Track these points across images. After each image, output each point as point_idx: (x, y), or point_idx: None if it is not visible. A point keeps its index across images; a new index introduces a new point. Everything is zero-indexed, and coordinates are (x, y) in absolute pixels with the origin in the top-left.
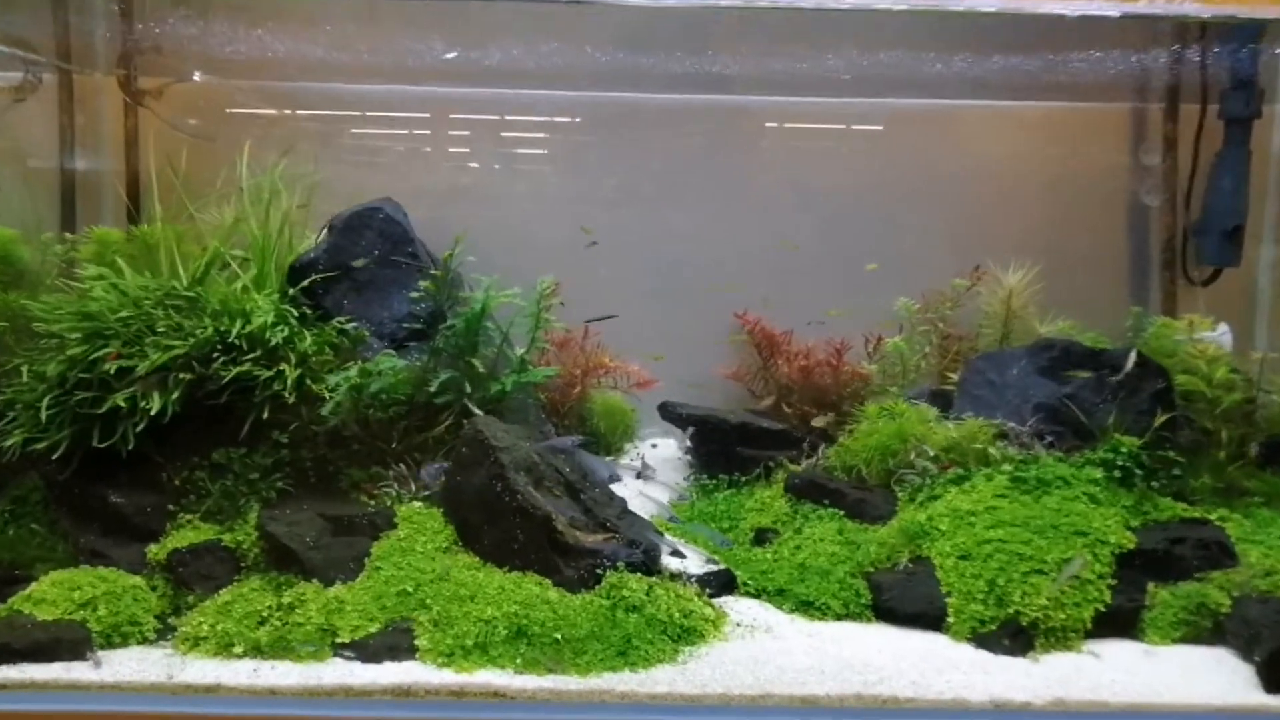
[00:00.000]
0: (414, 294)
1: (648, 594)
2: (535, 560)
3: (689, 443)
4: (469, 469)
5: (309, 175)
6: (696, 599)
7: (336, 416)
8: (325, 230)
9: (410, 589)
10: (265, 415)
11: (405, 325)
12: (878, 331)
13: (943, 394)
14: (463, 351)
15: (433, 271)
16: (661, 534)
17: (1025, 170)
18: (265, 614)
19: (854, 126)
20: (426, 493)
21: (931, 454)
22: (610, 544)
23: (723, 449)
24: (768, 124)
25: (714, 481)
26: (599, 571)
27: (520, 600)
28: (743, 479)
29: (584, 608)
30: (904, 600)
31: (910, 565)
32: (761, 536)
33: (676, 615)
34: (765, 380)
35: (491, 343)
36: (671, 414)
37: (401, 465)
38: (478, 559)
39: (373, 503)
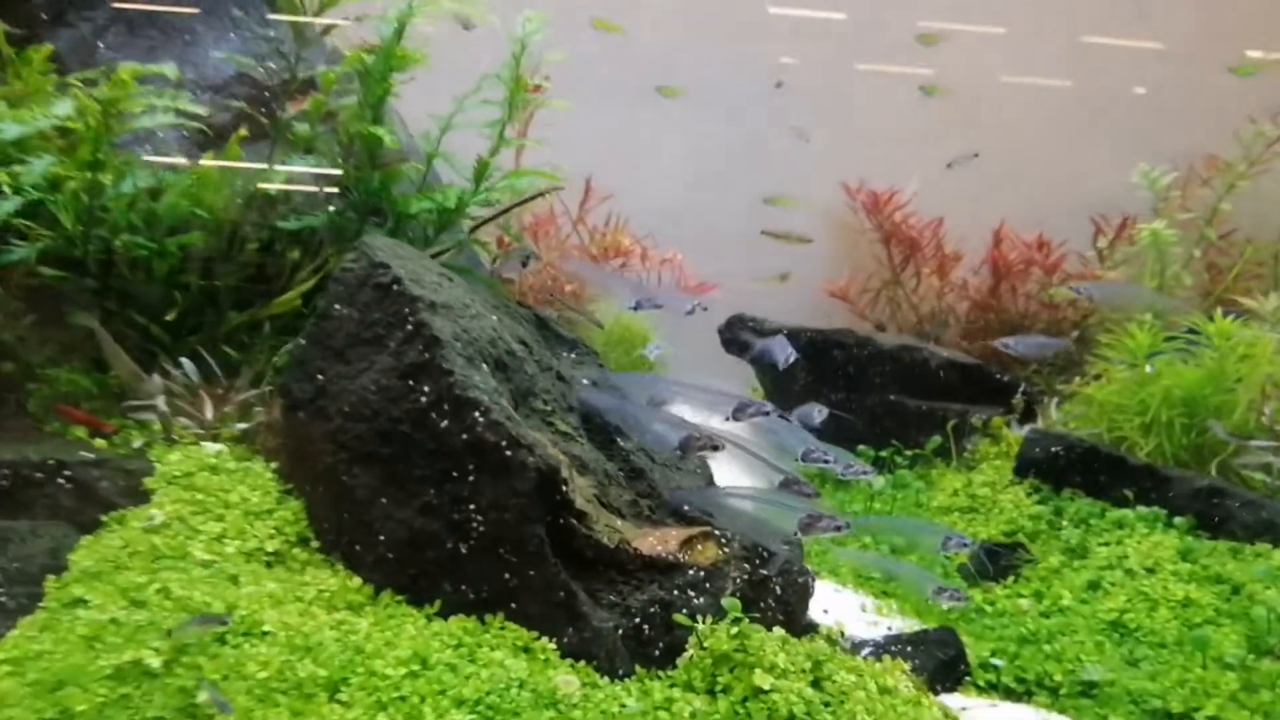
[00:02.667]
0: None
1: (818, 683)
2: (517, 585)
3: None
4: (348, 353)
5: None
6: (924, 699)
7: (31, 247)
8: None
9: (153, 660)
10: None
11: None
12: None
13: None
14: (344, 137)
15: None
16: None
17: None
18: None
19: None
20: (244, 425)
21: None
22: (701, 550)
23: (865, 398)
24: None
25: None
26: (670, 615)
27: (479, 700)
28: (905, 451)
29: None
30: None
31: None
32: (996, 561)
33: None
34: (894, 301)
35: (404, 130)
36: (755, 335)
37: (188, 364)
38: (361, 581)
39: (101, 443)
